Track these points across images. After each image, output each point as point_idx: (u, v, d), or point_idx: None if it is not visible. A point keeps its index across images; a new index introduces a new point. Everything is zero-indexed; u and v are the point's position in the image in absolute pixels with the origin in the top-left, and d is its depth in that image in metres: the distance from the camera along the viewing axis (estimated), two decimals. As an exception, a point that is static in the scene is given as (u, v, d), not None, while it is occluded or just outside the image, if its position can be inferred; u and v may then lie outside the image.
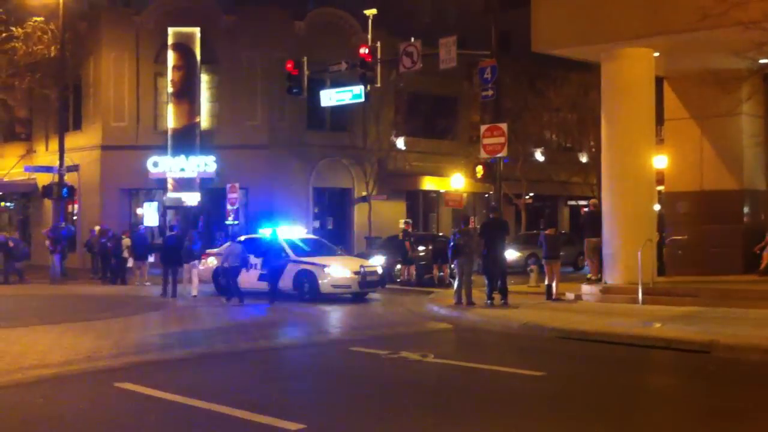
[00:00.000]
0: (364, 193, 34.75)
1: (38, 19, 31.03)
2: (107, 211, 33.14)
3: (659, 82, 21.31)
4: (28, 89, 32.70)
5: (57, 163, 29.88)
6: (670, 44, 18.73)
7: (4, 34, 30.64)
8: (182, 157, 32.84)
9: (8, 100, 33.62)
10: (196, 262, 22.92)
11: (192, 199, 33.04)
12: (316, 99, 26.93)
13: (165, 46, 33.25)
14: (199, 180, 33.03)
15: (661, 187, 23.09)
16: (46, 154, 35.23)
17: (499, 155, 20.93)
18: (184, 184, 33.06)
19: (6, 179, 36.35)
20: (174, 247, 22.65)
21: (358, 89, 25.30)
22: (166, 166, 32.90)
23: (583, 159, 38.82)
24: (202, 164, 32.86)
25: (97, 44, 34.00)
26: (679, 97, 22.11)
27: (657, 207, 21.51)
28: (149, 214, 32.95)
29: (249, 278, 22.32)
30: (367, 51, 23.86)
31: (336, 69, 25.75)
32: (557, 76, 33.73)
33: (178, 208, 33.51)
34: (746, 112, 21.09)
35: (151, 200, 33.79)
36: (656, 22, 17.90)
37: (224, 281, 22.05)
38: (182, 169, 32.85)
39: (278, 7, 34.34)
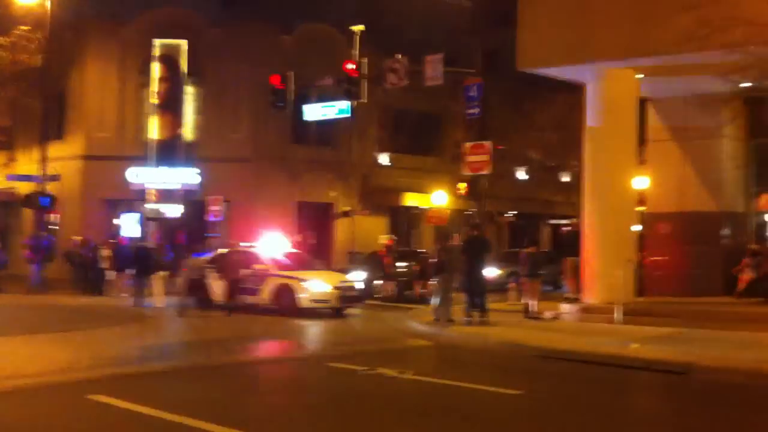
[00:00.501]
0: (347, 208, 34.72)
1: (24, 28, 30.90)
2: (88, 221, 32.90)
3: (642, 103, 21.46)
4: (12, 98, 32.49)
5: (39, 173, 29.68)
6: (654, 66, 18.88)
7: (-12, 43, 30.52)
8: (165, 168, 32.70)
9: (-9, 109, 33.44)
10: (166, 273, 23.44)
11: (174, 211, 32.87)
12: (301, 113, 26.95)
13: (150, 58, 33.18)
14: (181, 192, 32.90)
15: (642, 208, 23.20)
16: (27, 163, 34.96)
17: (482, 173, 21.00)
18: (166, 196, 32.89)
19: (-13, 188, 36.07)
20: (144, 258, 23.26)
21: (344, 104, 25.39)
22: (149, 177, 32.73)
23: (566, 178, 38.95)
24: (185, 176, 32.75)
25: (82, 54, 33.86)
26: (662, 119, 22.26)
27: (637, 227, 21.60)
28: (128, 225, 32.73)
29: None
30: (353, 67, 23.94)
31: (322, 84, 25.81)
32: (542, 95, 33.88)
33: (160, 219, 33.34)
34: (728, 135, 21.26)
35: (132, 211, 33.58)
36: (640, 43, 18.03)
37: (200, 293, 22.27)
38: (165, 181, 32.71)
39: (266, 21, 34.33)
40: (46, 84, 30.48)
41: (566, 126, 33.93)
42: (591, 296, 19.11)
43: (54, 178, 31.06)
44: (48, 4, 28.60)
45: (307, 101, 27.01)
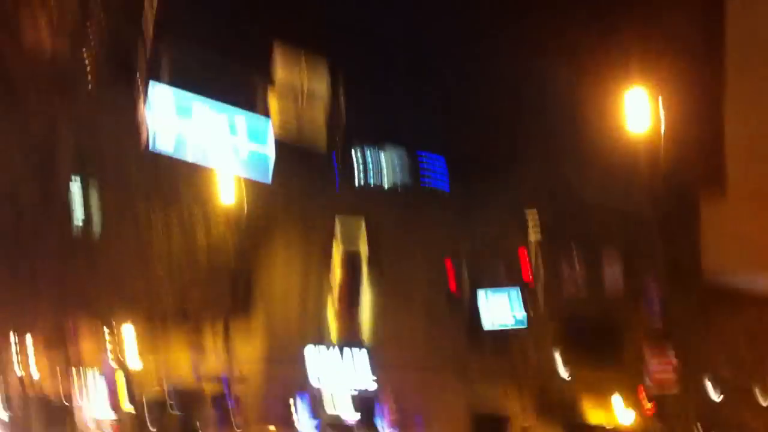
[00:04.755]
0: (527, 424, 33.30)
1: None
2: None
3: None
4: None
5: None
6: None
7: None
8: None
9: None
10: None
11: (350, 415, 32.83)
12: (475, 315, 26.77)
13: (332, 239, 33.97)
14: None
15: None
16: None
17: (668, 391, 19.74)
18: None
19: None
20: None
21: (521, 314, 25.10)
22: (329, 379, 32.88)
23: (766, 403, 35.91)
24: (363, 382, 32.71)
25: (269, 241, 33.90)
26: None
27: None
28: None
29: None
30: (530, 275, 23.88)
31: (495, 281, 25.70)
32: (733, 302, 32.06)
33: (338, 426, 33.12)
34: None
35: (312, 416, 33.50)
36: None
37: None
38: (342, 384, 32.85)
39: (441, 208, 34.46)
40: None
41: (764, 340, 31.72)
42: None
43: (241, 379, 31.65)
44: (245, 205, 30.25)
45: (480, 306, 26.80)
